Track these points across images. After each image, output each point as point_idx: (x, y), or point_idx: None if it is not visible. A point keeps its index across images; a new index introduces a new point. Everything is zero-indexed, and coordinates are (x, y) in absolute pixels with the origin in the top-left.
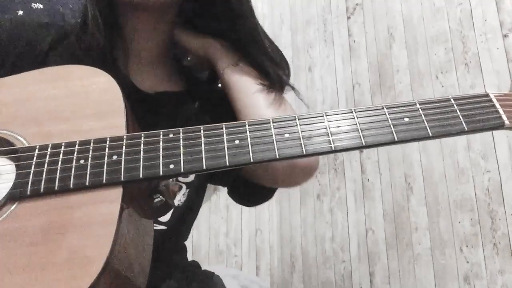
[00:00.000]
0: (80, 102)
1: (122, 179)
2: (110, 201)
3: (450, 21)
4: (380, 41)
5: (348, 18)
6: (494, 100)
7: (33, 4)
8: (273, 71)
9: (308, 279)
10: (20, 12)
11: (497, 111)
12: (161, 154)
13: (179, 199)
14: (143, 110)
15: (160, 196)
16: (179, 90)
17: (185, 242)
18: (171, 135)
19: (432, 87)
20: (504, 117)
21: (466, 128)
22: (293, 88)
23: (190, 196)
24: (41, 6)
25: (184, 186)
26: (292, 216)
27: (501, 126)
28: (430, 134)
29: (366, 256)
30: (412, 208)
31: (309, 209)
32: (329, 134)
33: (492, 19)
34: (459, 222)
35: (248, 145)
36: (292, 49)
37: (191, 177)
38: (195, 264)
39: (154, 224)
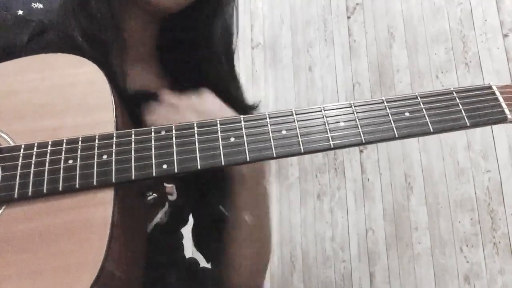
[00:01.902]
0: (66, 95)
1: (113, 181)
2: (102, 203)
3: (450, 21)
4: (380, 40)
5: (348, 17)
6: (497, 92)
7: (33, 4)
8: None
9: (308, 278)
10: (20, 12)
11: (500, 105)
12: (153, 154)
13: (160, 216)
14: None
15: (154, 194)
16: (153, 92)
17: (182, 241)
18: (163, 133)
19: (432, 86)
20: (507, 111)
21: (468, 124)
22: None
23: (172, 216)
24: (41, 6)
25: (166, 204)
26: (292, 216)
27: (503, 120)
28: (432, 130)
29: (366, 256)
30: (412, 208)
31: (309, 209)
32: (328, 131)
33: (493, 19)
34: (459, 222)
35: (244, 143)
36: (292, 49)
37: (174, 196)
38: (194, 261)
39: None
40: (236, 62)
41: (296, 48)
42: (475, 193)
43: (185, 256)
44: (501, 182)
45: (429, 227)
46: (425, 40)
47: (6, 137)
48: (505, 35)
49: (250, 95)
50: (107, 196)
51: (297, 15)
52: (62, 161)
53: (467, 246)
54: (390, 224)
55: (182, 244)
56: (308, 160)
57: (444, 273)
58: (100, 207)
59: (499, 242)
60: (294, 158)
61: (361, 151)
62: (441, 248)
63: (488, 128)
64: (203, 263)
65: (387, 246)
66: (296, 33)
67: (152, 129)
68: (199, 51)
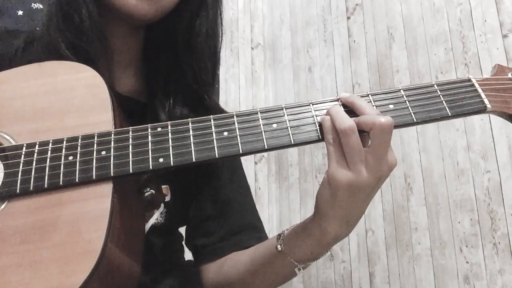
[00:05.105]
0: (66, 98)
1: (111, 174)
2: (101, 196)
3: (450, 21)
4: (380, 41)
5: (348, 18)
6: (476, 84)
7: (33, 4)
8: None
9: (308, 279)
10: (20, 12)
11: (479, 96)
12: (150, 148)
13: (156, 217)
14: None
15: (151, 190)
16: (137, 99)
17: (182, 243)
18: (159, 129)
19: None
20: (486, 101)
21: (449, 113)
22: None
23: (167, 217)
24: (41, 6)
25: (162, 205)
26: (292, 216)
27: (483, 110)
28: (415, 120)
29: (366, 256)
30: (412, 208)
31: (309, 209)
32: (316, 124)
33: (492, 19)
34: (459, 222)
35: (236, 137)
36: (292, 49)
37: (168, 196)
38: (192, 264)
39: None
40: (235, 63)
41: (296, 48)
42: (475, 194)
43: (184, 258)
44: (500, 182)
45: (429, 227)
46: (425, 41)
47: (8, 138)
48: (504, 36)
49: (249, 96)
50: (106, 189)
51: (297, 16)
52: (63, 157)
53: (466, 246)
54: (390, 225)
55: (182, 245)
56: (308, 161)
57: (443, 274)
58: (99, 199)
59: (499, 242)
60: (294, 159)
61: None
62: (440, 249)
63: (487, 129)
64: None
65: (387, 246)
66: (296, 33)
67: (149, 126)
68: (182, 56)
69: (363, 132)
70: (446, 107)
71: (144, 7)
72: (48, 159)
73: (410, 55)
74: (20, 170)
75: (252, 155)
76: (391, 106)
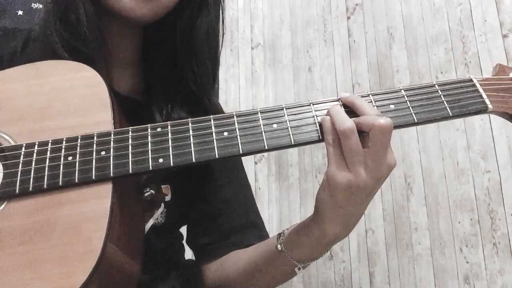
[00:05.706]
0: (65, 98)
1: (111, 174)
2: (100, 197)
3: (450, 21)
4: (380, 41)
5: (348, 18)
6: (478, 84)
7: (33, 4)
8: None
9: (308, 279)
10: (20, 12)
11: (480, 96)
12: (149, 149)
13: (156, 217)
14: None
15: (150, 190)
16: (135, 99)
17: (183, 242)
18: (159, 129)
19: None
20: (487, 101)
21: (450, 114)
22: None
23: (167, 217)
24: (40, 6)
25: (162, 205)
26: (292, 216)
27: (484, 110)
28: (416, 120)
29: (366, 256)
30: (412, 208)
31: (309, 209)
32: (317, 124)
33: (492, 19)
34: (459, 222)
35: (237, 137)
36: (292, 49)
37: (169, 196)
38: (193, 263)
39: None
40: (235, 63)
41: (296, 48)
42: (475, 194)
43: (184, 258)
44: (500, 182)
45: (429, 227)
46: (425, 41)
47: (7, 138)
48: (504, 36)
49: (249, 96)
50: (106, 190)
51: (297, 16)
52: (62, 158)
53: (466, 246)
54: (390, 225)
55: (183, 245)
56: (308, 161)
57: (443, 274)
58: (99, 200)
59: (499, 242)
60: (294, 159)
61: None
62: (440, 249)
63: (487, 128)
64: None
65: (387, 246)
66: (296, 33)
67: (149, 127)
68: (181, 56)
69: (363, 133)
70: (447, 107)
71: (141, 9)
72: (47, 159)
73: (410, 55)
74: (20, 170)
75: (252, 155)
76: (392, 106)
